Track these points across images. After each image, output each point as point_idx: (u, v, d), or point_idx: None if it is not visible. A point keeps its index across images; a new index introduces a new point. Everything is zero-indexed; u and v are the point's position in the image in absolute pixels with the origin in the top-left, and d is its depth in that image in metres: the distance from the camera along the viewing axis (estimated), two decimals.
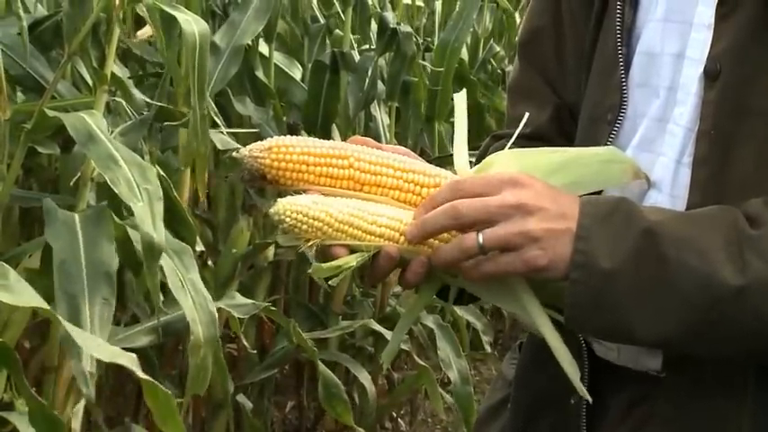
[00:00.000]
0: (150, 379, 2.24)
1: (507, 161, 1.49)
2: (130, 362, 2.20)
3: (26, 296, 2.05)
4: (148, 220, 2.38)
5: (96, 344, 2.21)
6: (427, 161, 3.89)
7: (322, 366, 3.60)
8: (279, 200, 1.40)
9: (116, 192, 2.38)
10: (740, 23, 1.47)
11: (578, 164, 1.52)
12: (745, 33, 1.47)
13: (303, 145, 1.44)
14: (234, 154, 1.44)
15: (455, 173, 1.49)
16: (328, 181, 1.44)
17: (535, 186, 1.40)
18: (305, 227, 1.39)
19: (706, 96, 1.49)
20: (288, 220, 1.39)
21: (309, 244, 1.40)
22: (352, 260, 1.41)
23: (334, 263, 1.41)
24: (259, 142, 1.44)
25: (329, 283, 1.44)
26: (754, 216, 1.40)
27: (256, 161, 1.42)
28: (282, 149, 1.43)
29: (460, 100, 1.52)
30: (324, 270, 1.41)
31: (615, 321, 1.40)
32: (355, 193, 1.44)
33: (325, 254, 1.42)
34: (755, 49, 1.46)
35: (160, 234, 2.40)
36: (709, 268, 1.37)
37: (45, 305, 2.11)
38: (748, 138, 1.46)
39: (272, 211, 1.39)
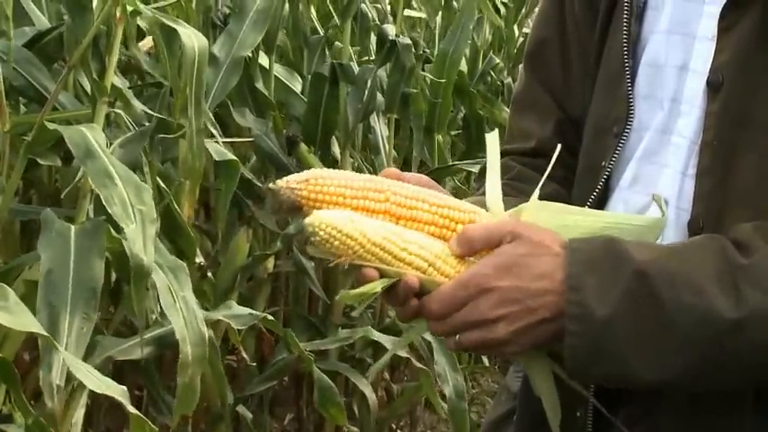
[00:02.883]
0: (138, 413, 2.23)
1: (545, 216, 1.48)
2: (121, 395, 2.20)
3: (24, 319, 2.05)
4: (140, 242, 2.38)
5: (89, 373, 2.21)
6: (426, 173, 3.94)
7: (318, 372, 3.59)
8: (315, 212, 1.41)
9: (110, 211, 2.38)
10: (742, 35, 1.48)
11: (617, 230, 1.49)
12: (746, 45, 1.47)
13: (340, 177, 1.45)
14: (270, 185, 1.45)
15: (487, 209, 1.49)
16: (365, 213, 1.44)
17: (505, 288, 1.41)
18: (337, 243, 1.40)
19: (709, 108, 1.50)
20: (321, 233, 1.39)
21: (337, 261, 1.41)
22: (378, 285, 1.43)
23: (360, 290, 1.43)
24: (296, 174, 1.45)
25: (355, 308, 1.48)
26: (743, 243, 1.40)
27: (293, 192, 1.43)
28: (320, 181, 1.44)
29: (493, 140, 1.51)
30: (351, 297, 1.43)
31: (617, 368, 1.40)
32: None
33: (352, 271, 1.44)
34: (757, 61, 1.47)
35: (150, 257, 2.39)
36: (704, 304, 1.36)
37: (42, 330, 2.11)
38: (750, 148, 1.46)
39: (306, 221, 1.40)
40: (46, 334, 2.08)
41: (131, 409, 2.18)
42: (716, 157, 1.49)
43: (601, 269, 1.39)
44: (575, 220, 1.49)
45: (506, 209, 1.51)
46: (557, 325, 1.41)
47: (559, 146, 1.54)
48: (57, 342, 2.27)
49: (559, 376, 1.51)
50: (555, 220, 1.48)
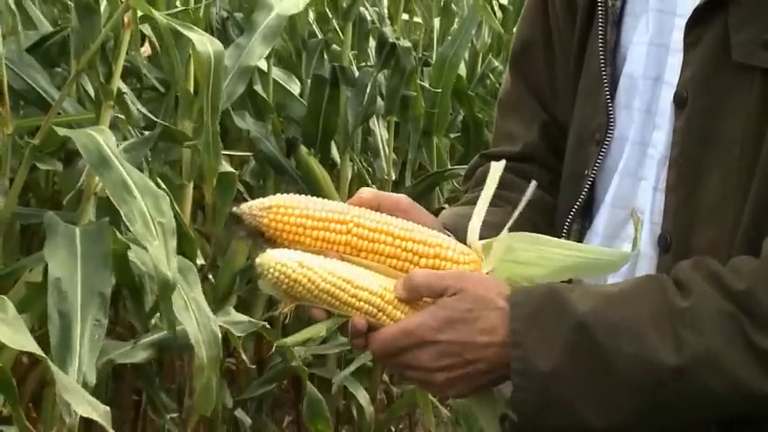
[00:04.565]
0: None
1: (523, 247, 1.47)
2: (103, 417, 2.19)
3: (21, 337, 2.04)
4: (163, 258, 2.37)
5: (78, 395, 2.20)
6: (425, 176, 3.89)
7: (309, 385, 3.59)
8: (268, 251, 1.40)
9: (132, 230, 2.37)
10: (705, 52, 1.47)
11: (592, 264, 1.50)
12: (708, 63, 1.46)
13: (303, 206, 1.45)
14: (234, 209, 1.44)
15: (465, 243, 1.49)
16: (325, 245, 1.44)
17: (447, 343, 1.41)
18: (284, 286, 1.40)
19: (676, 123, 1.49)
20: (269, 276, 1.39)
21: (285, 310, 1.42)
22: (323, 329, 1.43)
23: (300, 336, 1.45)
24: (260, 199, 1.45)
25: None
26: (683, 282, 1.39)
27: (255, 219, 1.43)
28: (282, 210, 1.44)
29: (497, 170, 1.51)
30: (294, 341, 1.46)
31: (567, 417, 1.40)
32: (351, 258, 1.45)
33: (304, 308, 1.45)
34: (718, 80, 1.46)
35: (174, 271, 2.39)
36: (645, 352, 1.37)
37: (38, 349, 2.10)
38: (714, 166, 1.46)
39: (257, 261, 1.40)
40: (42, 355, 2.08)
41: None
42: (682, 174, 1.48)
43: (542, 323, 1.40)
44: (552, 253, 1.48)
45: (490, 220, 1.50)
46: (496, 374, 1.43)
47: (534, 183, 1.52)
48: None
49: None
50: (534, 251, 1.47)
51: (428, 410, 4.07)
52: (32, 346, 2.08)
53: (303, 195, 1.47)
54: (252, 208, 1.43)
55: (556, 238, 1.52)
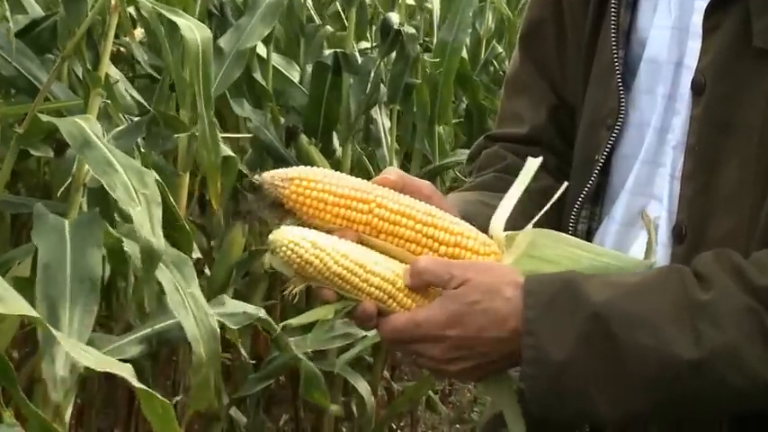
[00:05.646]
0: (145, 388, 2.16)
1: (544, 243, 1.45)
2: (124, 370, 2.12)
3: (14, 303, 1.96)
4: (147, 225, 2.32)
5: (86, 351, 2.13)
6: (428, 168, 3.81)
7: (305, 361, 3.50)
8: (282, 228, 1.39)
9: (113, 197, 2.31)
10: (724, 37, 1.44)
11: (606, 268, 1.47)
12: (727, 49, 1.44)
13: (326, 181, 1.43)
14: (255, 178, 1.41)
15: (487, 233, 1.47)
16: (345, 222, 1.43)
17: (456, 338, 1.40)
18: (296, 266, 1.38)
19: (693, 110, 1.47)
20: (281, 254, 1.38)
21: (294, 289, 1.40)
22: (330, 311, 1.42)
23: (306, 316, 1.44)
24: (283, 170, 1.42)
25: None
26: (704, 275, 1.38)
27: (276, 189, 1.41)
28: (304, 183, 1.42)
29: (532, 166, 1.49)
30: (295, 324, 1.45)
31: (580, 407, 1.39)
32: (369, 239, 1.43)
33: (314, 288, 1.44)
34: (737, 66, 1.44)
35: (159, 240, 2.33)
36: (662, 345, 1.35)
37: (34, 312, 2.02)
38: (732, 154, 1.44)
39: (270, 237, 1.39)
40: (38, 315, 2.00)
41: (137, 384, 2.09)
42: (698, 162, 1.46)
43: (556, 312, 1.38)
44: (569, 252, 1.46)
45: (496, 204, 1.49)
46: (509, 362, 1.43)
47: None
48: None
49: None
50: (554, 249, 1.46)
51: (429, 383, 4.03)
52: (29, 311, 1.99)
53: (327, 169, 1.45)
54: (274, 178, 1.41)
55: (576, 239, 1.52)
